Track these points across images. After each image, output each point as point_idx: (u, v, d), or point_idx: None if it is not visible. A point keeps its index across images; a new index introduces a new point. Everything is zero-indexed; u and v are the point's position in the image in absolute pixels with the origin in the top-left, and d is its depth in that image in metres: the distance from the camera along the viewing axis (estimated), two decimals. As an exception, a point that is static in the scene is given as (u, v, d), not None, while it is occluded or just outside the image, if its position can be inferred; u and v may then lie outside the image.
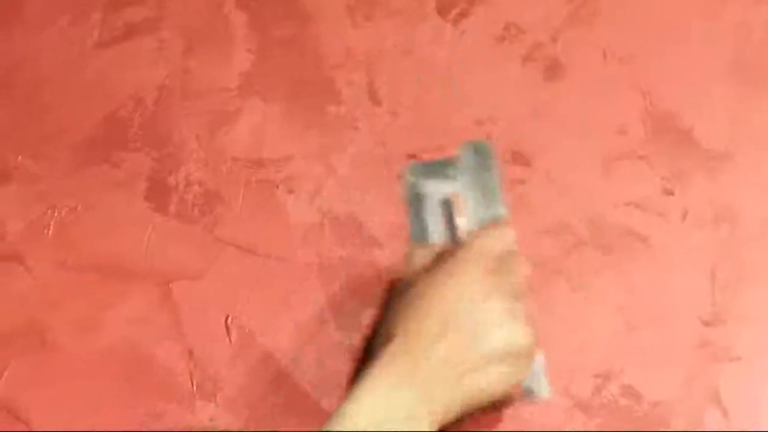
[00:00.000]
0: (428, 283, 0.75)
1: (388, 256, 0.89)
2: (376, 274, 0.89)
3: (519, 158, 0.92)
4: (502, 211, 0.81)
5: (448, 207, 0.81)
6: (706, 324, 0.84)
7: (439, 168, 0.83)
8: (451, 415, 0.73)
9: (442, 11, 0.98)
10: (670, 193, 0.89)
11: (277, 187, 0.92)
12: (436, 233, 0.81)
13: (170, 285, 0.91)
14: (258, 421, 0.85)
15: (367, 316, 0.87)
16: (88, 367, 0.89)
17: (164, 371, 0.87)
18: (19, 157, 0.96)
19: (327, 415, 0.83)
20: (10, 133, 0.97)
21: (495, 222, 0.80)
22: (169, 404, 0.86)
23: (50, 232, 0.94)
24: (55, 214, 0.94)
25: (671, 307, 0.86)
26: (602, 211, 0.89)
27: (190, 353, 0.87)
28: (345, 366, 0.86)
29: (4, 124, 0.98)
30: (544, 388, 0.80)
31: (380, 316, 0.77)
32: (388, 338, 0.73)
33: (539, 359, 0.79)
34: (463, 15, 0.97)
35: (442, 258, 0.77)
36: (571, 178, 0.91)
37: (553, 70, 0.95)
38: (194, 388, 0.86)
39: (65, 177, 0.95)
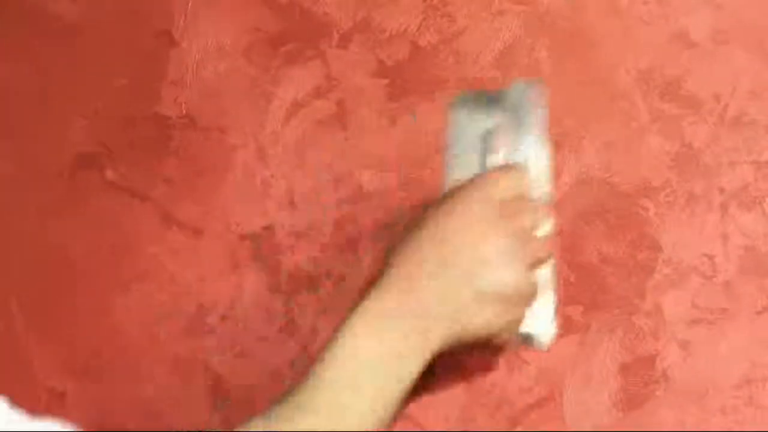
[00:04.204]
0: (431, 219, 0.75)
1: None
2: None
3: None
4: (539, 153, 0.79)
5: (484, 142, 0.79)
6: None
7: (487, 101, 0.80)
8: (444, 348, 0.73)
9: None
10: None
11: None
12: (468, 168, 0.79)
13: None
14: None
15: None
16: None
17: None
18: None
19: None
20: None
21: (510, 166, 0.78)
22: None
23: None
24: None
25: None
26: None
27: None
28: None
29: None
30: (544, 337, 0.78)
31: (389, 246, 0.77)
32: (386, 269, 0.74)
33: (548, 307, 0.78)
34: None
35: (451, 194, 0.77)
36: None
37: None
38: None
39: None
